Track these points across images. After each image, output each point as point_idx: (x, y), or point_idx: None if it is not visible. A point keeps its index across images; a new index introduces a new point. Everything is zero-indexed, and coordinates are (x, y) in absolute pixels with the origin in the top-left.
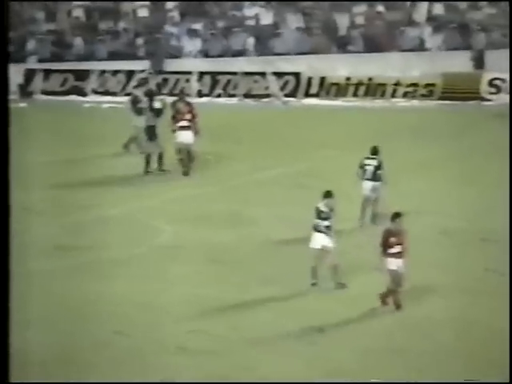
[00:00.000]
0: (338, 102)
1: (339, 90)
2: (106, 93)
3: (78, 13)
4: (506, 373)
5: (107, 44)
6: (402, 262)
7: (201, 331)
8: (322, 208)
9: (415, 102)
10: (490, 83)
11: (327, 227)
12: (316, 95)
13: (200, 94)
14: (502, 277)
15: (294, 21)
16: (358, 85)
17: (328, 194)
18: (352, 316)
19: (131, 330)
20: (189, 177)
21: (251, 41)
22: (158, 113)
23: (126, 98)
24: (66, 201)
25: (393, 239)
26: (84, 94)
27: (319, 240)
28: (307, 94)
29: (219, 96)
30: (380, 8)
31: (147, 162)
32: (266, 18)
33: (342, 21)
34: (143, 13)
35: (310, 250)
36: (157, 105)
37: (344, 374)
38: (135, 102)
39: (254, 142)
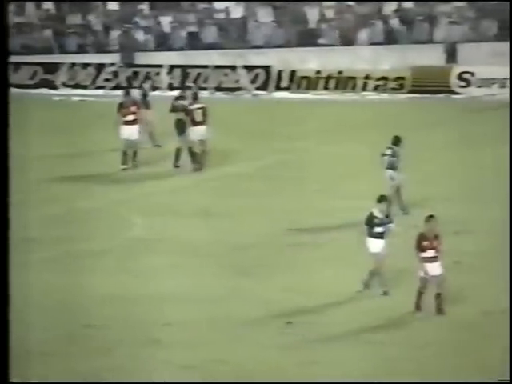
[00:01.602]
0: (309, 96)
1: (309, 83)
2: (77, 86)
3: (48, 5)
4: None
5: (77, 37)
6: (436, 267)
7: (176, 324)
8: (376, 214)
9: (385, 96)
10: (460, 77)
11: (381, 233)
12: (287, 88)
13: (170, 88)
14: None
15: (264, 14)
16: (328, 78)
17: (382, 199)
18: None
19: (106, 323)
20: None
21: (221, 34)
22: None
23: (96, 92)
24: (42, 194)
25: (425, 243)
26: (54, 87)
27: (376, 245)
28: (278, 88)
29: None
30: (350, 1)
31: (176, 157)
32: (236, 11)
33: (312, 14)
34: (113, 6)
35: (369, 256)
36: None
37: (314, 361)
38: (145, 96)
39: (225, 135)
